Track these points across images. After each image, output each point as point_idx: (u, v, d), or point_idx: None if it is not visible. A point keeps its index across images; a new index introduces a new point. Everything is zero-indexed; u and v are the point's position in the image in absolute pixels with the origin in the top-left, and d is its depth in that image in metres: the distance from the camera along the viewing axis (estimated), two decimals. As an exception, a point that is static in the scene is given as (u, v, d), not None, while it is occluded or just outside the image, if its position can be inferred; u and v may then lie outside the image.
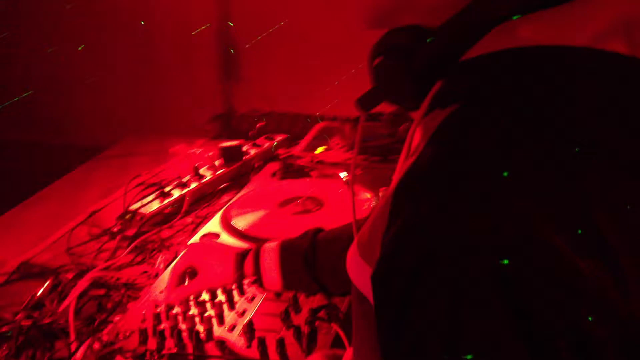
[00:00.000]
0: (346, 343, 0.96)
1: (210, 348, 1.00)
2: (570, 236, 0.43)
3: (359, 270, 0.56)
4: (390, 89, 0.59)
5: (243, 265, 1.01)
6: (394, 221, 0.47)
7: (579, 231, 0.43)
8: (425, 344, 0.44)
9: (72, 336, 1.07)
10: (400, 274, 0.45)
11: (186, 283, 1.06)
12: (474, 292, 0.42)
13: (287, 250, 1.00)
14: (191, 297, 1.11)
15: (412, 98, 0.56)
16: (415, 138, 0.56)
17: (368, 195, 1.46)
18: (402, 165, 0.56)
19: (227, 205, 1.49)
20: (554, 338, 0.41)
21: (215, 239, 1.36)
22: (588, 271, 0.42)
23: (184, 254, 1.08)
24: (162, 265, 1.30)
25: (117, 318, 1.12)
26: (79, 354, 1.02)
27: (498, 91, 0.48)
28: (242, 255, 1.03)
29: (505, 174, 0.43)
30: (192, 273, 1.06)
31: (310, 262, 0.97)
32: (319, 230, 1.02)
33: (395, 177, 0.57)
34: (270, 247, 1.01)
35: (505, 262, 0.41)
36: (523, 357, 0.41)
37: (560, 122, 0.46)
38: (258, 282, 1.00)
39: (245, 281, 1.02)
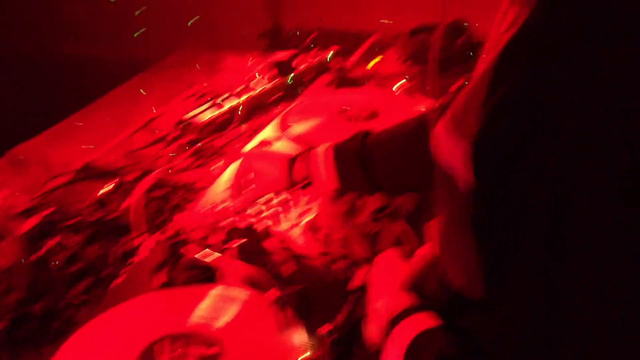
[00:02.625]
0: (412, 243, 0.97)
1: (271, 244, 1.02)
2: None
3: (451, 146, 0.56)
4: None
5: (293, 170, 1.03)
6: (498, 85, 0.46)
7: None
8: (532, 203, 0.43)
9: (138, 230, 1.11)
10: (511, 130, 0.45)
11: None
12: (591, 152, 0.41)
13: (340, 151, 1.01)
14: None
15: None
16: (509, 15, 0.54)
17: (423, 107, 1.44)
18: (499, 39, 0.54)
19: (284, 112, 1.49)
20: None
21: (268, 146, 1.37)
22: None
23: (239, 164, 1.12)
24: (218, 171, 1.32)
25: (178, 216, 1.15)
26: (146, 245, 1.05)
27: None
28: (292, 159, 1.04)
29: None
30: (249, 182, 1.09)
31: (363, 161, 0.97)
32: (367, 133, 1.02)
33: (486, 56, 0.56)
34: (322, 150, 1.02)
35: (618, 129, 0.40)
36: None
37: None
38: (311, 185, 1.02)
39: (298, 186, 1.04)
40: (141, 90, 1.73)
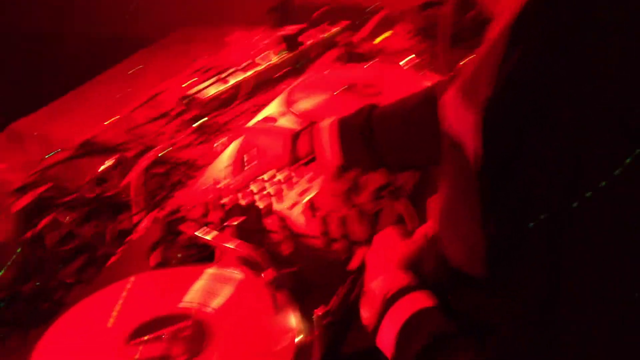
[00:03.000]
0: (411, 222, 0.94)
1: (271, 223, 0.99)
2: None
3: (459, 115, 0.52)
4: None
5: (296, 145, 1.01)
6: (514, 51, 0.43)
7: None
8: (542, 180, 0.40)
9: (137, 207, 1.09)
10: (526, 100, 0.41)
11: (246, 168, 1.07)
12: (603, 123, 0.37)
13: (345, 126, 0.98)
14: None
15: None
16: None
17: (433, 81, 1.39)
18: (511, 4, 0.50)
19: (289, 88, 1.46)
20: None
21: (272, 122, 1.34)
22: None
23: (241, 139, 1.09)
24: (221, 147, 1.29)
25: (178, 194, 1.13)
26: (144, 223, 1.03)
27: None
28: (296, 134, 1.02)
29: None
30: (251, 158, 1.07)
31: (368, 135, 0.95)
32: (373, 107, 1.00)
33: (498, 19, 0.52)
34: (326, 124, 0.99)
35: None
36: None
37: None
38: (314, 160, 0.99)
39: (301, 162, 1.02)
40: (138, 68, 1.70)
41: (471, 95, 0.51)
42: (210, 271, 0.88)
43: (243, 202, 1.04)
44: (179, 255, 0.94)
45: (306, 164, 1.05)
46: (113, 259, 0.98)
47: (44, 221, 1.04)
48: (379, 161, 0.96)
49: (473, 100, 0.50)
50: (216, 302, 0.81)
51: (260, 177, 1.09)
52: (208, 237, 0.94)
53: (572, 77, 0.41)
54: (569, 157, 0.41)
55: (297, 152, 1.02)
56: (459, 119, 0.52)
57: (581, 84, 0.41)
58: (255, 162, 1.07)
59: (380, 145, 0.95)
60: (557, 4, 0.43)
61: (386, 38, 1.70)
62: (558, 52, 0.42)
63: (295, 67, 1.67)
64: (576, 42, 0.41)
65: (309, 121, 1.04)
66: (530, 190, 0.43)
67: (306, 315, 0.76)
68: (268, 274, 0.82)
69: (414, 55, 1.53)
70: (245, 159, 1.09)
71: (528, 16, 0.45)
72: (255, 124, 1.33)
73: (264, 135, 1.07)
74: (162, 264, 0.93)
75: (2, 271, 0.90)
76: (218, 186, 1.09)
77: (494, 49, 0.48)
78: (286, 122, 1.31)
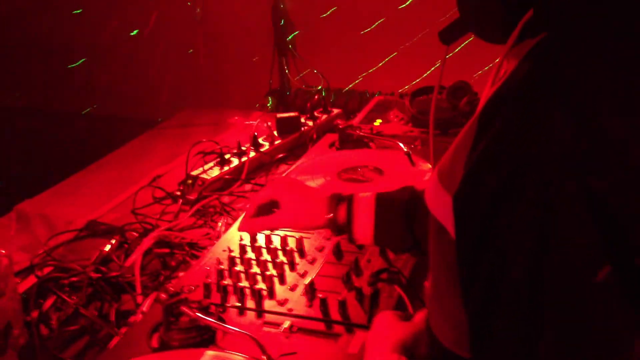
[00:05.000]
0: (410, 306, 0.96)
1: (272, 305, 1.01)
2: None
3: (438, 199, 0.56)
4: (480, 18, 0.57)
5: (337, 209, 0.95)
6: (480, 139, 0.47)
7: None
8: (509, 262, 0.44)
9: (139, 289, 1.11)
10: (488, 188, 0.45)
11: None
12: (564, 211, 0.41)
13: (385, 201, 0.95)
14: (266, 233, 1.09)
15: (501, 27, 0.54)
16: (502, 68, 0.55)
17: (428, 166, 1.45)
18: (487, 92, 0.56)
19: (286, 172, 1.50)
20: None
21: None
22: None
23: (267, 186, 1.03)
24: (223, 228, 1.32)
25: (181, 274, 1.15)
26: (146, 305, 1.04)
27: (591, 20, 0.47)
28: (337, 198, 0.96)
29: (601, 96, 0.43)
30: (271, 207, 1.00)
31: (411, 214, 0.92)
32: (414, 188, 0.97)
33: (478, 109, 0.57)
34: (366, 196, 0.96)
35: (598, 184, 0.41)
36: (604, 271, 0.41)
37: None
38: (348, 231, 0.95)
39: (333, 232, 0.97)
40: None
41: (447, 181, 0.55)
42: (211, 353, 0.89)
43: (246, 284, 1.06)
44: (180, 337, 0.95)
45: (339, 233, 0.97)
46: (115, 339, 0.99)
47: (49, 301, 1.06)
48: (412, 241, 0.94)
49: (447, 186, 0.54)
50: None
51: (264, 257, 1.11)
52: (209, 319, 0.95)
53: (520, 176, 0.45)
54: (534, 238, 0.44)
55: (336, 216, 0.96)
56: (438, 203, 0.56)
57: (541, 169, 0.44)
58: (277, 214, 0.99)
59: (419, 224, 0.92)
60: (511, 104, 0.47)
61: (381, 123, 1.77)
62: (509, 150, 0.45)
63: (293, 151, 1.73)
64: (523, 143, 0.45)
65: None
66: (501, 269, 0.46)
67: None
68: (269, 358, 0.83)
69: (407, 142, 1.59)
70: (261, 209, 1.01)
71: (489, 112, 0.50)
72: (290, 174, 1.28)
73: (294, 189, 0.99)
74: (164, 346, 0.94)
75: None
76: (219, 268, 1.11)
77: (466, 137, 0.52)
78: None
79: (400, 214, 0.93)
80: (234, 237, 1.22)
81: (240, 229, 1.04)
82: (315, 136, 1.76)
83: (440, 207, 0.55)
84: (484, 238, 0.46)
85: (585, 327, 0.44)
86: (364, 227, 0.94)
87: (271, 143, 1.70)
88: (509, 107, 0.47)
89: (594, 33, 0.46)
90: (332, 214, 0.95)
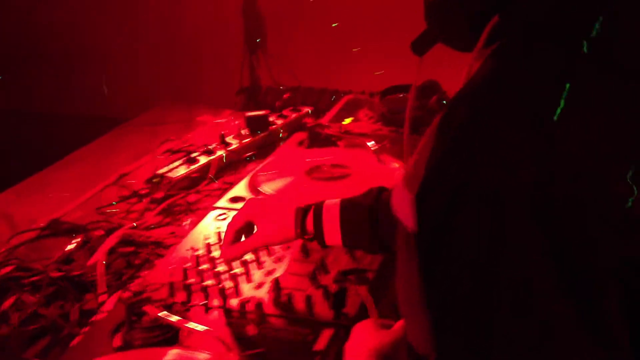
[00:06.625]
0: (374, 311, 0.96)
1: (237, 303, 1.00)
2: (619, 176, 0.42)
3: (403, 201, 0.56)
4: (446, 27, 0.58)
5: (305, 221, 0.98)
6: (439, 142, 0.47)
7: (630, 173, 0.43)
8: (463, 262, 0.44)
9: (101, 288, 1.09)
10: (443, 191, 0.45)
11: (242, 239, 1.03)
12: (511, 222, 0.42)
13: (350, 207, 0.97)
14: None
15: (467, 35, 0.55)
16: (470, 74, 0.55)
17: (397, 165, 1.46)
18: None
19: (255, 171, 1.50)
20: (592, 271, 0.41)
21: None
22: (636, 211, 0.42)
23: (241, 209, 1.04)
24: (189, 227, 1.31)
25: (145, 273, 1.13)
26: (108, 304, 1.03)
27: (555, 24, 0.47)
28: (304, 210, 0.99)
29: (560, 107, 0.43)
30: (249, 229, 1.03)
31: (374, 217, 0.94)
32: (382, 189, 0.99)
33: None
34: (332, 204, 0.98)
35: (547, 194, 0.41)
36: (554, 282, 0.41)
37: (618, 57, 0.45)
38: (318, 238, 0.98)
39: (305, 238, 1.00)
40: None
41: (411, 182, 0.55)
42: (174, 352, 0.88)
43: (210, 283, 1.05)
44: (143, 336, 0.94)
45: (310, 240, 1.00)
46: (77, 339, 0.97)
47: (10, 301, 1.03)
48: (379, 244, 0.96)
49: (411, 187, 0.54)
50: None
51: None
52: (172, 318, 0.95)
53: (468, 185, 0.45)
54: (482, 250, 0.44)
55: (305, 228, 0.98)
56: (402, 205, 0.56)
57: (494, 173, 0.45)
58: (254, 235, 1.02)
59: (384, 227, 0.94)
60: (465, 111, 0.48)
61: (350, 122, 1.77)
62: (460, 158, 0.46)
63: (261, 150, 1.72)
64: (472, 151, 0.45)
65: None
66: (452, 281, 0.46)
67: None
68: (233, 357, 0.83)
69: (375, 141, 1.59)
70: (237, 232, 1.03)
71: (448, 115, 0.50)
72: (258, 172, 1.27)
73: (266, 208, 1.02)
74: (126, 345, 0.93)
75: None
76: (184, 267, 1.10)
77: (428, 138, 0.53)
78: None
79: (365, 218, 0.95)
80: (199, 235, 1.21)
81: (221, 257, 1.09)
82: (284, 134, 1.76)
83: (404, 209, 0.56)
84: (439, 246, 0.46)
85: (536, 345, 0.44)
86: (332, 235, 0.97)
87: (240, 141, 1.69)
88: (464, 110, 0.48)
89: (549, 37, 0.47)
90: (299, 229, 0.98)
